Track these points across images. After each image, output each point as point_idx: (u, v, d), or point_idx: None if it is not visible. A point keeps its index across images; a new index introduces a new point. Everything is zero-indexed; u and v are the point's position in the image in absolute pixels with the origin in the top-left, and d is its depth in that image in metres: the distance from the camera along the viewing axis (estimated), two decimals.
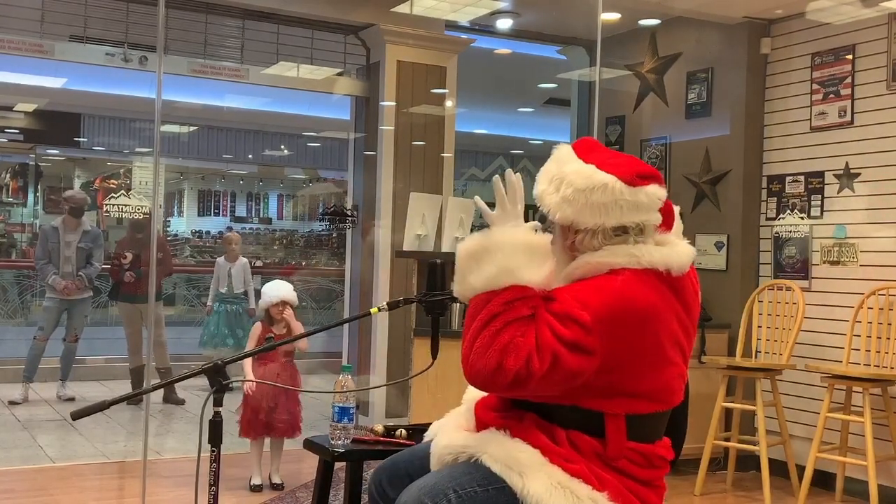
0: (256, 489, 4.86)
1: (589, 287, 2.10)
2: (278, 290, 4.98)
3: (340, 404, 2.81)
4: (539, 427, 2.16)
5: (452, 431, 2.30)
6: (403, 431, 2.93)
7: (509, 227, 2.20)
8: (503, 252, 2.14)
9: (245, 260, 8.18)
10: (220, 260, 8.15)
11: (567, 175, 2.19)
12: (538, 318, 2.08)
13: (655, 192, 2.19)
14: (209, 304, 8.06)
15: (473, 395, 2.37)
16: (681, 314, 2.18)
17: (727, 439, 5.41)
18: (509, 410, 2.23)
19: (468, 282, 2.16)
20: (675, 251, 2.19)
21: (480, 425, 2.25)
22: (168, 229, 13.36)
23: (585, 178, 2.17)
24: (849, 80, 5.36)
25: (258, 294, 5.19)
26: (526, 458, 2.11)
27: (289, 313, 4.93)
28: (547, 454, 2.11)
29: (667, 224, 2.26)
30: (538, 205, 2.25)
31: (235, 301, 7.99)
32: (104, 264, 7.58)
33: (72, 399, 7.27)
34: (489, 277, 2.12)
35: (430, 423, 2.48)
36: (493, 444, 2.16)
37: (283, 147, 12.66)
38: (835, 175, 5.42)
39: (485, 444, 2.17)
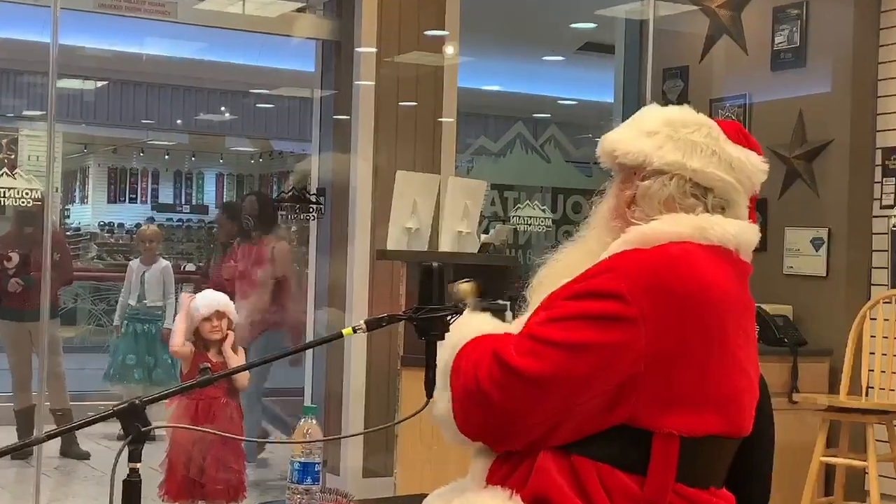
0: None
1: (630, 255, 2.16)
2: (211, 298, 4.97)
3: (302, 459, 2.82)
4: (557, 466, 2.14)
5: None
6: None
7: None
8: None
9: (166, 263, 8.21)
10: (134, 263, 8.20)
11: (651, 113, 2.32)
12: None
13: (754, 161, 2.29)
14: (116, 321, 8.11)
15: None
16: (748, 313, 2.25)
17: None
18: (523, 457, 2.22)
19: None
20: (747, 226, 2.26)
21: None
22: (67, 221, 13.40)
23: (678, 113, 2.29)
24: None
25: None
26: None
27: (227, 333, 4.92)
28: None
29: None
30: (601, 162, 2.35)
31: (148, 318, 7.98)
32: None
33: None
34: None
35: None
36: None
37: (223, 109, 12.68)
38: None
39: None
